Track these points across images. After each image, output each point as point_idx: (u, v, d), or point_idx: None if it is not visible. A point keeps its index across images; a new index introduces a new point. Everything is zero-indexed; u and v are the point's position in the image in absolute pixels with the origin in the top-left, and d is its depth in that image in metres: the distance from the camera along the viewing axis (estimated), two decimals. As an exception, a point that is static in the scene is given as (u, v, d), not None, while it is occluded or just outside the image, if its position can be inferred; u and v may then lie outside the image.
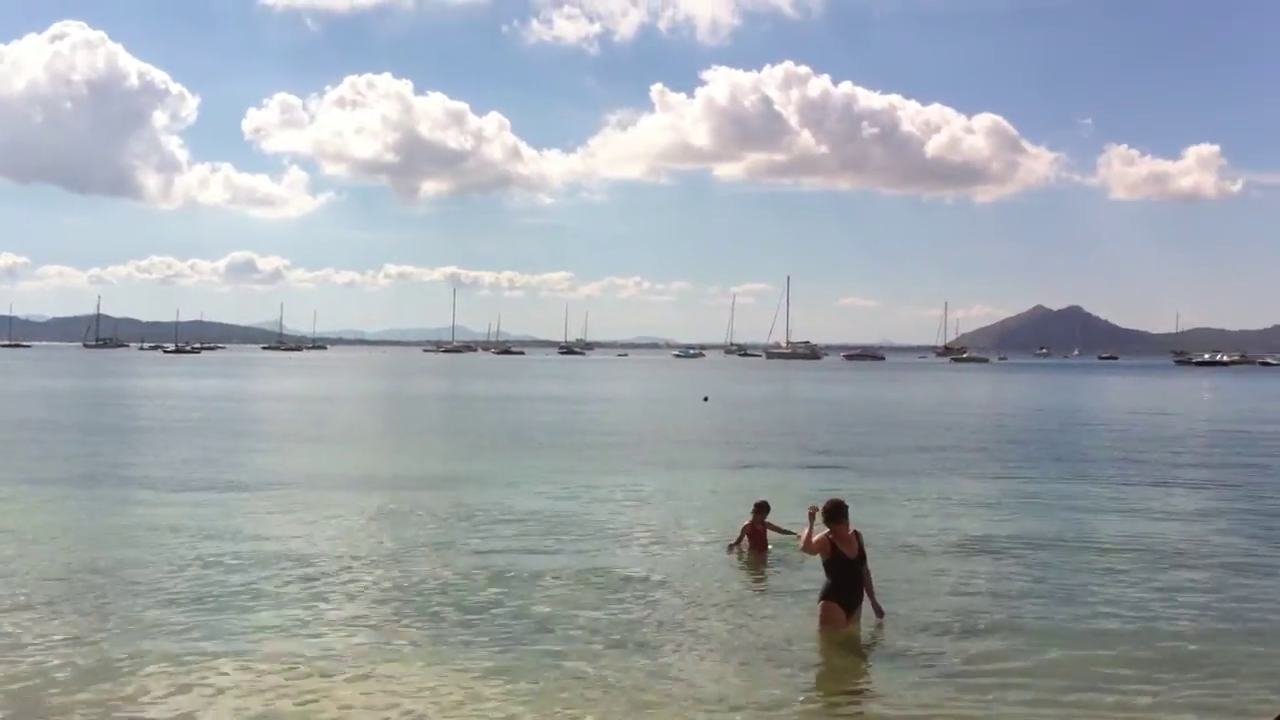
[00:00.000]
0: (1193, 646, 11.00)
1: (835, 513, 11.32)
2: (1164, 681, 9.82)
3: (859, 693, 9.75)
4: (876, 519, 17.97)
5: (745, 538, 15.75)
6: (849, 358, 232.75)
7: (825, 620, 11.21)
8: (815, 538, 11.29)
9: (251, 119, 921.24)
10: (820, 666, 10.50)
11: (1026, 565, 15.25)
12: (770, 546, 15.66)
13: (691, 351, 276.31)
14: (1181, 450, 35.29)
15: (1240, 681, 9.85)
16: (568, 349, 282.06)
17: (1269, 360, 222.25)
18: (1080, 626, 11.86)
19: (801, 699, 9.42)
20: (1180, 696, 9.43)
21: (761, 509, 15.90)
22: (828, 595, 11.26)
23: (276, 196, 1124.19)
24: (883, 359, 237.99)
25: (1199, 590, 13.81)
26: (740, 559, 15.45)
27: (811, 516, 11.42)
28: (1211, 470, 29.13)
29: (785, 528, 15.68)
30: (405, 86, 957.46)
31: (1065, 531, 18.17)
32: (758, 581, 14.32)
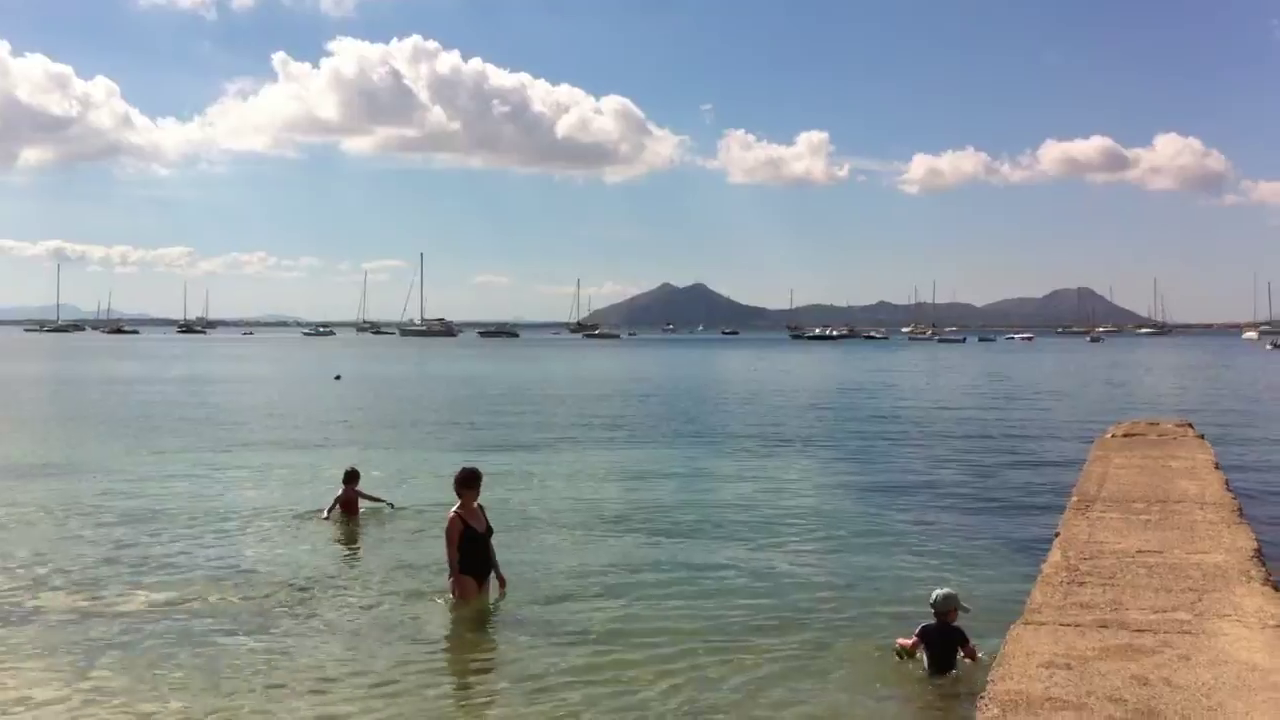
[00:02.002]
0: (803, 605, 11.67)
1: (467, 480, 11.42)
2: (773, 638, 10.36)
3: (489, 661, 9.77)
4: (509, 492, 18.31)
5: (338, 505, 16.34)
6: (484, 334, 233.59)
7: (460, 594, 11.21)
8: (446, 525, 11.31)
9: None
10: (451, 638, 10.46)
11: (649, 534, 15.79)
12: (361, 510, 16.47)
13: (322, 330, 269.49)
14: (792, 419, 37.75)
15: (839, 638, 10.50)
16: (187, 327, 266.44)
17: (873, 334, 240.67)
18: (698, 589, 12.35)
19: (435, 671, 9.32)
20: (787, 653, 9.97)
21: (352, 477, 16.59)
22: (462, 570, 11.24)
23: None
24: (517, 335, 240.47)
25: (811, 554, 14.72)
26: (335, 525, 15.91)
27: None
28: (822, 437, 31.45)
29: (376, 496, 16.81)
30: (2, 47, 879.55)
31: (683, 500, 19.06)
32: (366, 553, 14.43)
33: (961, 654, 9.28)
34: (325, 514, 16.30)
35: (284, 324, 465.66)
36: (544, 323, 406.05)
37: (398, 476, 21.18)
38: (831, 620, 11.07)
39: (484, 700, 8.68)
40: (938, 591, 9.67)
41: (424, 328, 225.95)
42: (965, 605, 9.60)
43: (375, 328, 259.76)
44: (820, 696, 8.73)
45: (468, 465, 11.84)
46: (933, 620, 9.47)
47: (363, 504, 16.59)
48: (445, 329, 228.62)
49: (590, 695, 8.62)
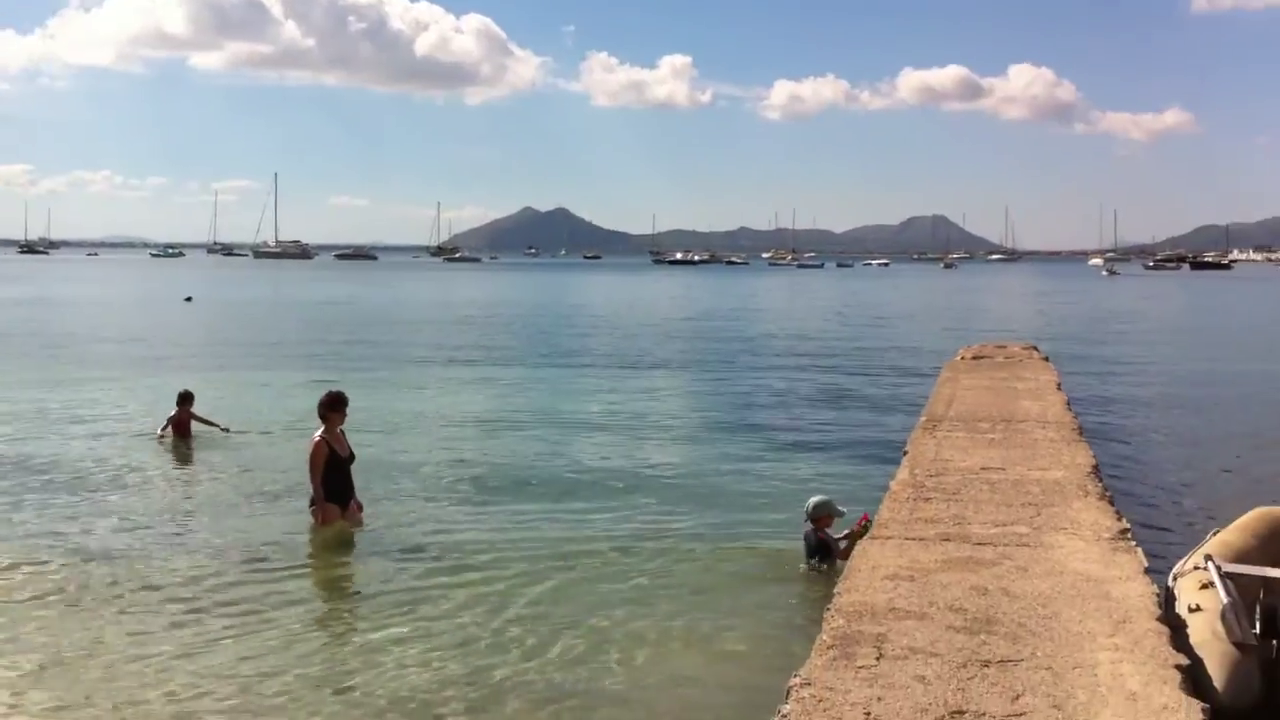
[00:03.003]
0: (667, 518, 11.80)
1: (334, 404, 11.22)
2: (639, 550, 10.42)
3: (351, 584, 9.63)
4: (370, 416, 18.00)
5: (170, 426, 16.36)
6: (341, 257, 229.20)
7: (324, 519, 11.03)
8: (311, 449, 11.06)
9: None
10: (315, 561, 10.28)
11: (513, 455, 15.80)
12: (194, 435, 16.40)
13: (171, 251, 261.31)
14: (655, 343, 38.11)
15: (704, 546, 10.62)
16: (28, 248, 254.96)
17: (734, 259, 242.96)
18: (562, 506, 12.35)
19: (300, 593, 9.13)
20: (654, 564, 10.03)
21: (186, 399, 16.62)
22: (326, 498, 11.05)
23: None
24: (375, 259, 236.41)
25: (673, 471, 14.91)
26: (170, 447, 15.87)
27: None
28: (683, 360, 31.84)
29: (210, 419, 16.74)
30: None
31: (547, 421, 19.09)
32: (206, 476, 14.15)
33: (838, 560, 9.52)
34: (159, 434, 16.31)
35: (131, 245, 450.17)
36: (403, 246, 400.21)
37: (244, 400, 20.82)
38: (696, 531, 11.27)
39: (346, 625, 8.54)
40: (811, 500, 10.02)
41: (278, 250, 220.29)
42: (840, 510, 9.91)
43: (227, 250, 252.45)
44: (684, 603, 8.78)
45: (334, 389, 11.60)
46: (809, 527, 9.81)
47: (196, 426, 16.55)
48: (300, 251, 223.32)
49: (451, 611, 8.55)
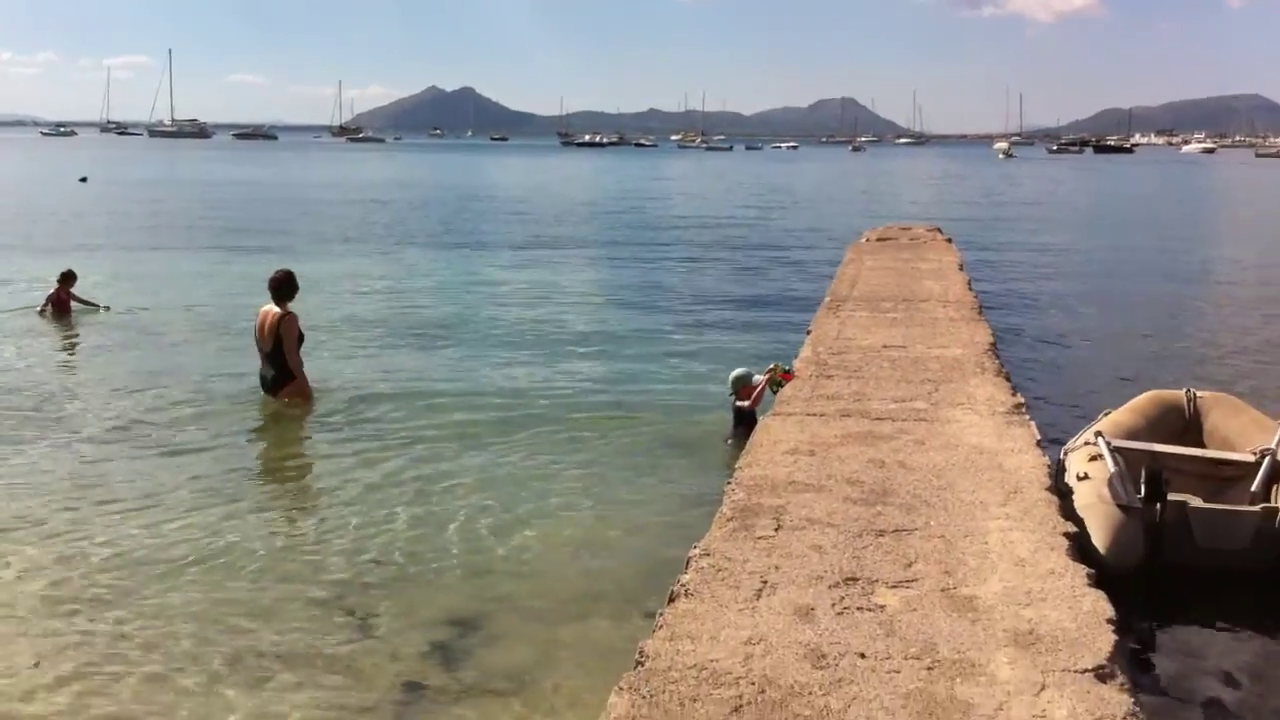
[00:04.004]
0: (582, 395, 11.82)
1: (280, 288, 10.98)
2: (560, 425, 10.44)
3: (259, 458, 9.54)
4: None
5: (49, 304, 16.45)
6: (240, 137, 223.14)
7: (308, 393, 11.02)
8: (293, 325, 10.89)
9: None
10: (203, 437, 10.13)
11: (426, 338, 15.72)
12: (73, 312, 16.47)
13: (62, 130, 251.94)
14: (564, 226, 37.88)
15: (621, 420, 10.68)
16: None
17: (643, 141, 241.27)
18: (478, 388, 12.33)
19: (197, 470, 9.02)
20: (568, 435, 10.08)
21: (67, 278, 16.71)
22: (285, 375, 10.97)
23: None
24: (275, 139, 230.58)
25: (586, 350, 14.89)
26: (51, 325, 15.91)
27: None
28: (592, 243, 31.80)
29: (89, 299, 16.86)
30: None
31: (458, 303, 19.07)
32: (95, 356, 14.03)
33: None
34: (39, 311, 16.38)
35: (20, 124, 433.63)
36: (304, 126, 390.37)
37: (138, 281, 20.38)
38: (608, 406, 11.37)
39: (253, 502, 8.43)
40: (731, 374, 10.24)
41: (174, 129, 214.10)
42: (760, 378, 10.06)
43: (121, 129, 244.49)
44: (595, 476, 8.85)
45: (281, 269, 11.31)
46: (733, 399, 10.01)
47: (76, 306, 16.62)
48: (198, 131, 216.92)
49: (369, 488, 8.52)
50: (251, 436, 10.28)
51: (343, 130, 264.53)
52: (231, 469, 9.07)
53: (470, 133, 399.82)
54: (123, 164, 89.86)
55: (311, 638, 6.01)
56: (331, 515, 8.04)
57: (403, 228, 34.90)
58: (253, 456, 9.72)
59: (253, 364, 11.44)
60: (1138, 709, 3.71)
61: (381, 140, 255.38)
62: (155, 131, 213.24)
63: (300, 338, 11.07)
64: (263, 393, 11.09)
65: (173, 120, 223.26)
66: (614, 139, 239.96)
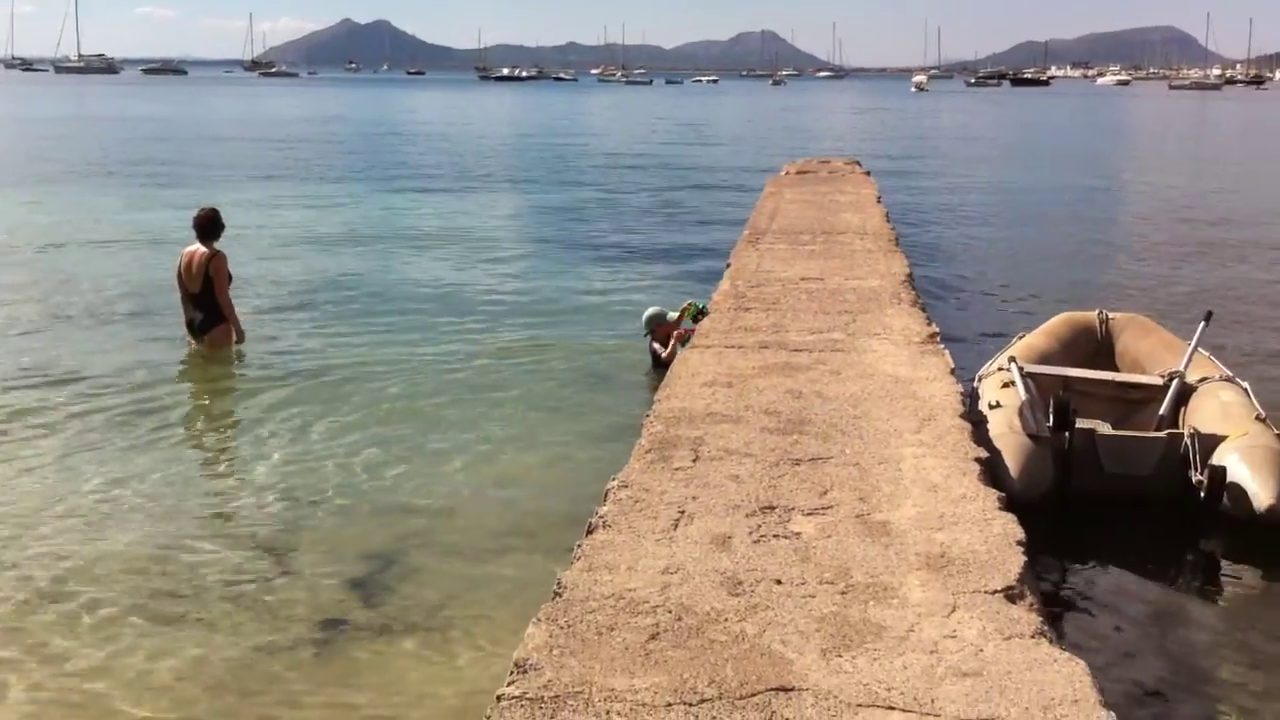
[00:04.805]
0: (500, 322, 11.79)
1: (207, 226, 10.66)
2: (489, 349, 10.43)
3: (185, 402, 9.38)
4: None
5: None
6: (149, 72, 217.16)
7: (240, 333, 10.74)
8: (224, 266, 10.56)
9: None
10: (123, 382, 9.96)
11: (344, 263, 15.71)
12: None
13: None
14: (484, 160, 37.59)
15: (549, 344, 10.71)
16: None
17: (562, 75, 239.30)
18: (391, 299, 12.48)
19: (123, 412, 8.85)
20: (489, 362, 10.06)
21: None
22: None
23: None
24: (186, 74, 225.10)
25: (504, 274, 14.89)
26: None
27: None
28: (512, 177, 31.62)
29: None
30: None
31: (381, 227, 19.01)
32: None
33: None
34: None
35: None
36: (215, 60, 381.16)
37: (52, 219, 19.82)
38: (530, 341, 11.33)
39: (171, 445, 8.30)
40: (644, 314, 10.33)
41: (82, 65, 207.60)
42: (673, 315, 10.10)
43: (26, 64, 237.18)
44: (516, 412, 8.82)
45: (205, 209, 10.91)
46: (649, 339, 10.09)
47: None
48: (105, 66, 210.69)
49: (295, 430, 8.41)
50: (169, 381, 10.07)
51: (255, 64, 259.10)
52: (145, 411, 8.89)
53: (386, 66, 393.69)
54: (28, 100, 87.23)
55: (227, 576, 5.96)
56: (248, 458, 7.95)
57: (320, 164, 34.27)
58: (169, 401, 9.49)
59: (168, 303, 11.21)
60: (1045, 627, 3.80)
61: (295, 75, 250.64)
62: (61, 68, 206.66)
63: (229, 278, 10.75)
64: (189, 336, 10.74)
65: (79, 56, 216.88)
66: (533, 73, 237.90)
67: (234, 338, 10.71)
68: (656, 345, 9.97)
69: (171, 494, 7.15)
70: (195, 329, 10.66)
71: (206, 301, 10.57)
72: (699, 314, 9.43)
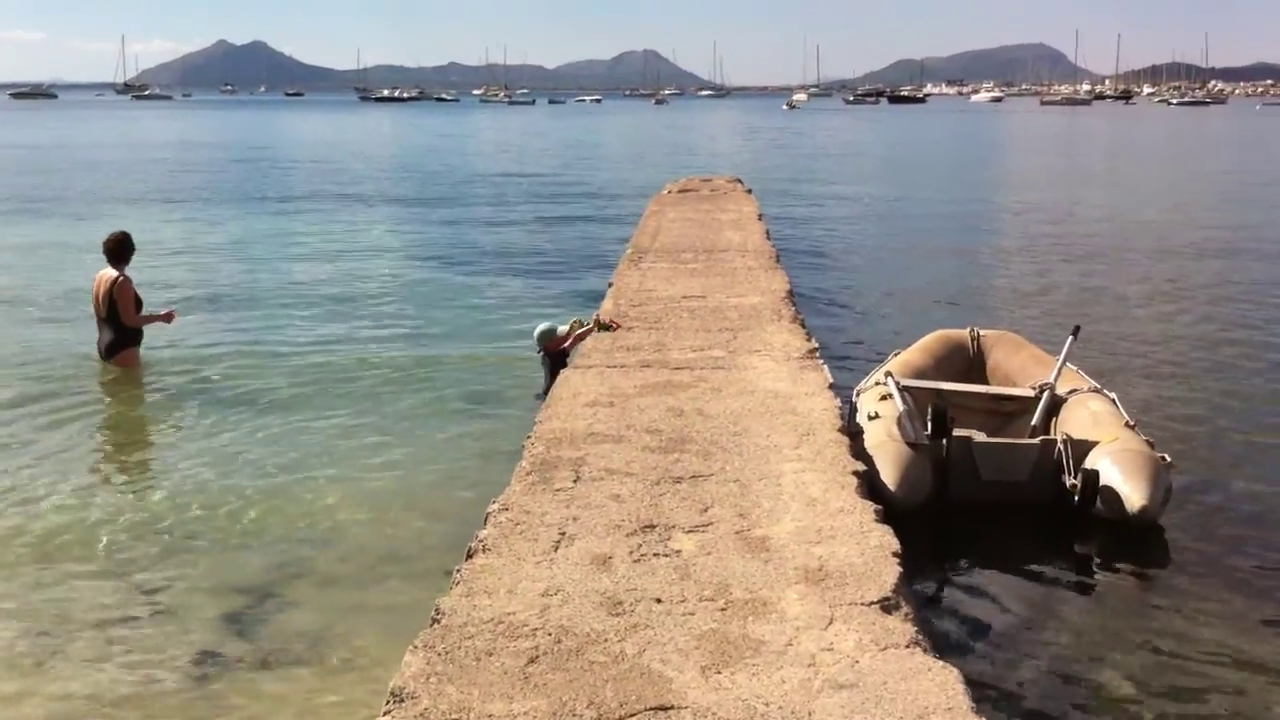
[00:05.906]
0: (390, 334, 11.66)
1: (117, 250, 10.61)
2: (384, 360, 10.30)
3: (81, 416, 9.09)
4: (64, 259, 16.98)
5: None
6: (17, 96, 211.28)
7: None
8: (129, 287, 10.47)
9: None
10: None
11: (225, 279, 15.28)
12: None
13: None
14: (365, 182, 37.16)
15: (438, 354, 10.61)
16: None
17: (444, 96, 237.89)
18: (272, 317, 12.18)
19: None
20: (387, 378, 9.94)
21: None
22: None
23: None
24: (55, 97, 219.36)
25: (387, 303, 14.70)
26: None
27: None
28: (393, 199, 31.33)
29: None
30: None
31: (261, 245, 18.54)
32: None
33: None
34: None
35: None
36: (85, 84, 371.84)
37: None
38: (413, 359, 11.28)
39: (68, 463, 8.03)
40: (535, 330, 10.13)
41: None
42: (563, 329, 10.05)
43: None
44: (399, 432, 8.71)
45: (117, 232, 10.89)
46: (540, 355, 9.92)
47: None
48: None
49: (182, 450, 8.21)
50: (31, 416, 9.76)
51: (128, 87, 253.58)
52: (18, 442, 8.61)
53: (264, 88, 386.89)
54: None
55: (95, 614, 5.77)
56: (118, 487, 7.73)
57: (198, 187, 33.56)
58: (30, 436, 9.21)
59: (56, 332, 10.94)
60: (921, 636, 3.87)
61: (169, 98, 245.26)
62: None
63: (138, 301, 10.69)
64: (98, 357, 10.69)
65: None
66: (414, 94, 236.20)
67: (139, 361, 10.74)
68: (553, 355, 9.91)
69: (28, 530, 6.90)
70: (104, 351, 10.69)
71: (114, 324, 10.63)
72: (605, 328, 9.36)
